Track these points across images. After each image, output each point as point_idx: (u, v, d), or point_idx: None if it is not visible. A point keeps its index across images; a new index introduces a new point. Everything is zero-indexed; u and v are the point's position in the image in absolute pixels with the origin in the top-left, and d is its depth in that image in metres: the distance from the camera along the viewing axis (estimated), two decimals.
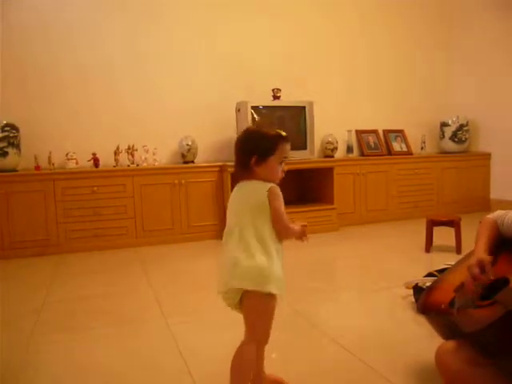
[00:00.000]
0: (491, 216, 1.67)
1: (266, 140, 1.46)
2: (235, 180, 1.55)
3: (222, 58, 4.77)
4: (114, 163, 4.24)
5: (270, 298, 1.40)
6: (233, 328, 2.23)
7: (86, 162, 4.22)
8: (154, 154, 4.37)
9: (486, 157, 5.53)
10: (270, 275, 1.37)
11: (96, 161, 4.20)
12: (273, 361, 1.89)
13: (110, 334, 2.21)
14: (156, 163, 4.37)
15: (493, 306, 1.33)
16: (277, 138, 1.48)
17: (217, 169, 4.36)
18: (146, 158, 4.33)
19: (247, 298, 1.41)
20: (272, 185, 1.46)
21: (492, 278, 1.43)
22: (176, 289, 2.94)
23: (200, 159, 4.60)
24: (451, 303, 1.49)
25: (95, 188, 4.00)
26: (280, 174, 1.51)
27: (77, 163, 4.15)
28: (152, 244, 4.16)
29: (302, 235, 1.53)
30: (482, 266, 1.44)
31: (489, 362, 1.33)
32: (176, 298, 2.73)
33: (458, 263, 1.74)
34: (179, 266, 3.51)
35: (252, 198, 1.45)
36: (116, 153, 4.26)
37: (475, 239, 1.62)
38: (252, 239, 1.40)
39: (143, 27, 4.49)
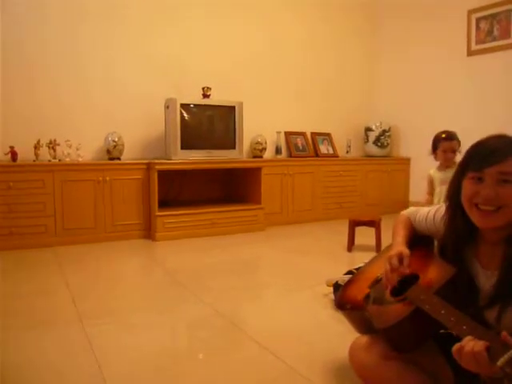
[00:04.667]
0: (405, 212, 1.73)
1: None
2: None
3: (153, 54, 4.67)
4: (33, 158, 4.02)
5: None
6: (149, 330, 2.19)
7: (2, 156, 3.97)
8: (77, 149, 4.19)
9: (406, 161, 5.82)
10: None
11: (14, 154, 3.96)
12: (199, 361, 1.87)
13: (20, 336, 2.08)
14: (80, 159, 4.20)
15: (403, 301, 1.38)
16: None
17: (144, 166, 4.26)
18: (68, 154, 4.15)
19: None
20: None
21: (407, 271, 1.47)
22: (94, 289, 2.82)
23: (127, 156, 4.47)
24: (366, 298, 1.53)
25: (11, 183, 3.77)
26: None
27: None
28: (73, 243, 3.98)
29: None
30: (401, 258, 1.48)
31: (400, 356, 1.38)
32: (93, 299, 2.62)
33: (374, 259, 1.80)
34: (100, 266, 3.38)
35: None
36: (36, 147, 4.03)
37: (392, 234, 1.67)
38: None
39: (77, 22, 4.29)
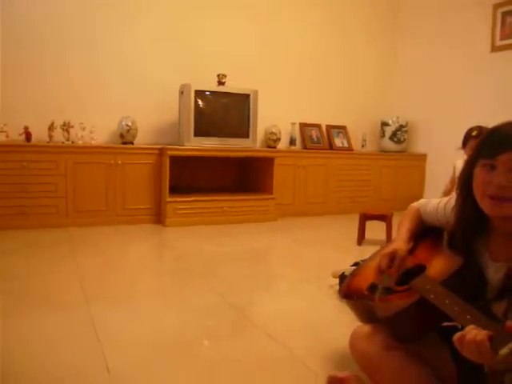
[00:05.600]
0: (415, 204, 1.69)
1: None
2: None
3: (168, 40, 4.65)
4: (47, 139, 4.04)
5: None
6: (156, 315, 2.19)
7: (17, 136, 4.00)
8: (91, 132, 4.20)
9: (422, 158, 5.73)
10: None
11: (28, 135, 3.99)
12: (204, 348, 1.86)
13: (24, 316, 2.09)
14: (93, 142, 4.21)
15: (408, 291, 1.35)
16: None
17: (156, 151, 4.25)
18: (82, 136, 4.16)
19: None
20: None
21: (397, 271, 1.44)
22: (103, 272, 2.83)
23: (140, 141, 4.47)
24: (370, 287, 1.50)
25: (25, 163, 3.79)
26: None
27: (7, 136, 3.93)
28: (84, 225, 4.00)
29: None
30: (393, 257, 1.45)
31: (402, 345, 1.35)
32: (102, 282, 2.63)
33: (381, 249, 1.77)
34: (109, 249, 3.39)
35: None
36: (50, 128, 4.05)
37: (398, 226, 1.64)
38: None
39: (94, 7, 4.30)
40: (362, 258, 2.41)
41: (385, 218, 3.69)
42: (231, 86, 4.55)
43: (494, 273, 1.26)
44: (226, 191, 4.64)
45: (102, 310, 2.16)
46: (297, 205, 4.99)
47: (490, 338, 0.90)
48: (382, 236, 3.67)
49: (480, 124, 3.09)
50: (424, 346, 1.36)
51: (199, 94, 4.30)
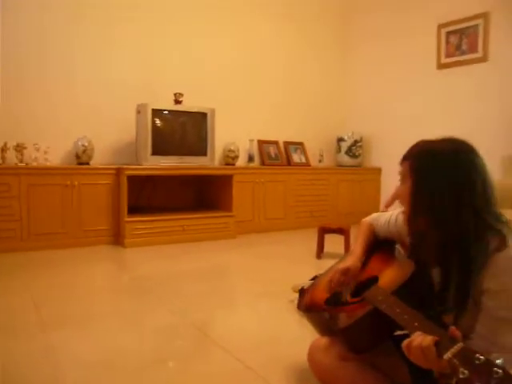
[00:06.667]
0: (368, 219, 1.76)
1: None
2: None
3: (125, 59, 4.64)
4: (0, 161, 3.94)
5: None
6: (114, 337, 2.15)
7: None
8: (45, 153, 4.12)
9: (377, 171, 5.90)
10: None
11: None
12: (165, 368, 1.84)
13: None
14: (48, 163, 4.12)
15: (361, 303, 1.40)
16: None
17: (113, 171, 4.21)
18: (36, 157, 4.07)
19: None
20: None
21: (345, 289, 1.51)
22: (58, 296, 2.75)
23: (97, 161, 4.41)
24: (327, 300, 1.55)
25: None
26: None
27: None
28: (41, 248, 3.89)
29: None
30: (345, 274, 1.55)
31: (357, 357, 1.39)
32: (57, 305, 2.56)
33: (337, 264, 1.82)
34: (66, 272, 3.31)
35: None
36: (3, 149, 3.96)
37: (355, 240, 1.70)
38: None
39: (46, 23, 4.24)
40: (322, 272, 2.46)
41: (343, 231, 3.77)
42: (188, 105, 4.57)
43: (435, 277, 1.32)
44: (186, 210, 4.62)
45: (59, 335, 2.11)
46: (256, 221, 5.02)
47: (436, 344, 0.95)
48: (341, 249, 3.74)
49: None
50: (377, 355, 1.40)
51: (156, 113, 4.30)
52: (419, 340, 0.98)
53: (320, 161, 5.83)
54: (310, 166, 5.69)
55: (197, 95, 4.80)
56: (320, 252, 3.78)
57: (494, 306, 1.11)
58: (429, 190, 1.21)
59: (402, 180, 1.30)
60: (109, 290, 3.02)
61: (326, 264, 3.48)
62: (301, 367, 1.79)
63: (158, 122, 4.31)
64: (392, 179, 5.45)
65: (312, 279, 2.54)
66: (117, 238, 4.19)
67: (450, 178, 1.18)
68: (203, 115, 4.53)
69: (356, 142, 5.81)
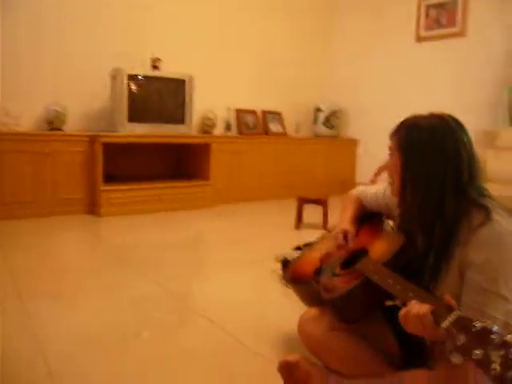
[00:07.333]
0: (354, 191, 1.76)
1: None
2: None
3: (99, 22, 4.43)
4: None
5: None
6: (92, 309, 2.12)
7: None
8: (15, 118, 3.96)
9: (354, 143, 5.92)
10: None
11: None
12: (145, 339, 1.83)
13: None
14: (18, 128, 3.97)
15: (352, 274, 1.40)
16: None
17: (87, 139, 4.08)
18: (5, 123, 3.91)
19: None
20: None
21: (351, 248, 1.51)
22: (34, 266, 2.69)
23: (69, 128, 4.27)
24: (317, 271, 1.55)
25: None
26: None
27: None
28: (11, 218, 3.77)
29: None
30: (345, 235, 1.53)
31: (348, 327, 1.40)
32: (33, 277, 2.50)
33: (324, 236, 1.82)
34: (40, 242, 3.23)
35: None
36: None
37: (340, 212, 1.70)
38: None
39: None
40: (305, 242, 2.47)
41: (321, 201, 3.79)
42: (166, 71, 4.44)
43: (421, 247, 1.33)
44: (163, 178, 4.55)
45: (37, 307, 2.06)
46: (234, 191, 4.99)
47: (433, 312, 0.97)
48: (319, 219, 3.77)
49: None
50: (367, 324, 1.42)
51: (132, 78, 4.16)
52: (416, 308, 0.99)
53: (297, 131, 5.81)
54: (286, 135, 5.66)
55: (175, 62, 4.65)
56: (299, 222, 3.80)
57: (478, 279, 1.13)
58: (414, 164, 1.24)
59: (391, 154, 1.32)
60: (86, 260, 2.97)
61: (305, 234, 3.54)
62: (286, 336, 1.81)
63: (133, 87, 4.18)
64: (369, 151, 5.53)
65: (296, 249, 2.56)
66: (92, 208, 4.10)
67: (436, 154, 1.20)
68: (181, 82, 4.41)
69: (334, 112, 5.80)
